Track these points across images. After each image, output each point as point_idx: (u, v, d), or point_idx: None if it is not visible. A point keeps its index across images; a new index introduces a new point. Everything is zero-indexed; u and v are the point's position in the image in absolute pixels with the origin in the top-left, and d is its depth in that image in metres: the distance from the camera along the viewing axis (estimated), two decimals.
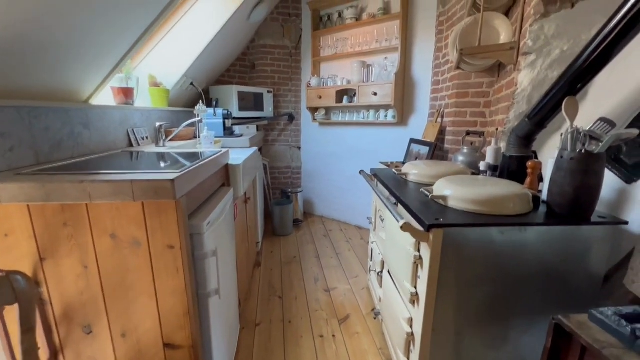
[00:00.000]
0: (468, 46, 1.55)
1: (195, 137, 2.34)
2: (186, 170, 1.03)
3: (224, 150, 1.58)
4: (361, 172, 2.00)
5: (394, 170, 1.77)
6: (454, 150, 2.26)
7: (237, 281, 1.73)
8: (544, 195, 1.26)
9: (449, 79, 2.33)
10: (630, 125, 1.17)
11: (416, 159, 2.41)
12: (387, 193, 1.60)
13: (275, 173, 3.73)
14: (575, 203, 1.07)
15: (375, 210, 1.96)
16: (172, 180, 0.91)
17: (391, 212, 1.24)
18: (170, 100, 2.40)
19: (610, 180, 1.18)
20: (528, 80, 1.43)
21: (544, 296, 1.13)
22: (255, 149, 2.45)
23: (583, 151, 1.05)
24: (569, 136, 1.09)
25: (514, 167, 1.44)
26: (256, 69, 3.46)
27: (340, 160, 3.41)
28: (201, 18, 2.28)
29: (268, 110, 3.36)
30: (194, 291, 1.07)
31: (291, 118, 3.61)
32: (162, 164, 1.24)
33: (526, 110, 1.51)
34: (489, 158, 1.64)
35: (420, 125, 2.78)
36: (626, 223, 1.07)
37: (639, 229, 1.07)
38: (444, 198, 1.22)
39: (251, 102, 3.20)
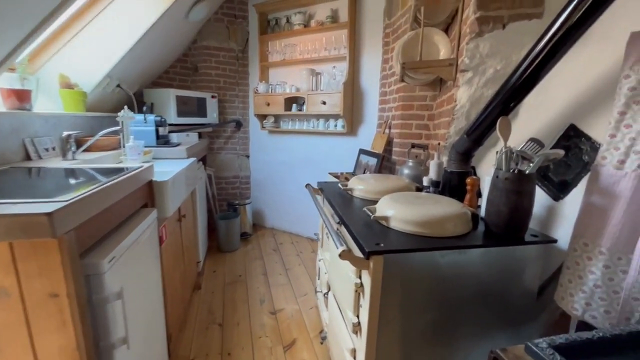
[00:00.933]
0: (410, 60, 1.54)
1: (121, 147, 2.06)
2: (77, 198, 0.83)
3: (146, 164, 1.37)
4: (307, 185, 1.90)
5: (339, 185, 1.70)
6: (400, 162, 2.27)
7: (168, 312, 1.51)
8: (483, 212, 1.27)
9: (395, 91, 2.35)
10: (556, 144, 1.22)
11: (365, 170, 2.38)
12: (332, 210, 1.52)
13: (221, 183, 3.49)
14: (510, 222, 1.07)
15: (322, 226, 1.87)
16: (50, 214, 0.72)
17: (332, 236, 1.15)
18: (90, 104, 2.09)
19: (540, 198, 1.21)
20: (466, 96, 1.45)
21: (486, 316, 1.12)
22: (193, 159, 2.24)
23: (516, 171, 1.05)
24: (503, 156, 1.09)
25: (455, 182, 1.45)
26: (199, 71, 3.22)
27: (291, 169, 3.29)
28: (128, 12, 2.02)
29: (212, 116, 3.14)
30: (91, 345, 0.87)
31: (239, 125, 3.41)
32: (54, 186, 1.01)
33: (465, 126, 1.53)
34: (432, 172, 1.64)
35: (369, 135, 2.78)
36: (555, 241, 1.10)
37: (566, 245, 1.10)
38: (386, 219, 1.16)
39: (193, 107, 2.95)
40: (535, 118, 1.27)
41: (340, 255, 0.98)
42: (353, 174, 2.63)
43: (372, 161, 2.38)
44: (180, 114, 2.78)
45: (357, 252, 1.04)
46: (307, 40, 2.89)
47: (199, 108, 3.01)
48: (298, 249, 3.02)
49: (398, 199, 1.22)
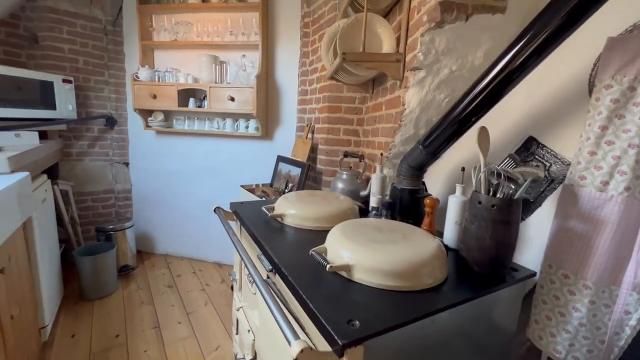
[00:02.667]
0: (350, 51, 1.23)
1: None
2: None
3: None
4: (216, 209, 1.40)
5: (264, 209, 1.27)
6: (328, 172, 1.97)
7: None
8: (449, 240, 1.05)
9: (318, 90, 2.03)
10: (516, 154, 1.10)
11: (287, 183, 1.99)
12: (257, 247, 1.07)
13: (86, 201, 2.55)
14: (496, 258, 0.86)
15: (240, 264, 1.40)
16: None
17: (264, 296, 0.73)
18: None
19: None
20: (416, 100, 1.22)
21: None
22: (25, 174, 1.43)
23: (503, 196, 0.84)
24: (482, 176, 0.87)
25: (406, 202, 1.21)
26: (40, 44, 2.23)
27: (189, 181, 2.63)
28: None
29: (66, 108, 2.21)
30: None
31: (110, 122, 2.54)
32: None
33: (412, 135, 1.30)
34: (375, 187, 1.37)
35: (287, 139, 2.40)
36: (534, 274, 0.94)
37: (535, 269, 0.96)
38: (347, 268, 0.80)
39: (31, 94, 2.00)
40: (490, 128, 1.12)
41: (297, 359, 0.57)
42: (271, 185, 2.21)
43: (295, 171, 2.01)
44: (4, 102, 1.83)
45: (312, 329, 0.66)
46: (206, 20, 2.31)
47: (44, 96, 2.07)
48: (203, 281, 2.40)
49: (355, 236, 0.88)
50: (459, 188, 1.02)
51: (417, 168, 1.20)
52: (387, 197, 1.26)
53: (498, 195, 0.85)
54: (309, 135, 2.11)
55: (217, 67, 2.27)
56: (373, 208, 1.24)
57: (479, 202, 0.86)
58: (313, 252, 0.86)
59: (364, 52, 1.23)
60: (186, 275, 2.47)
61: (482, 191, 0.87)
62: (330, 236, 0.91)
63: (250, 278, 1.17)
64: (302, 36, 2.21)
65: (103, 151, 2.59)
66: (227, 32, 2.31)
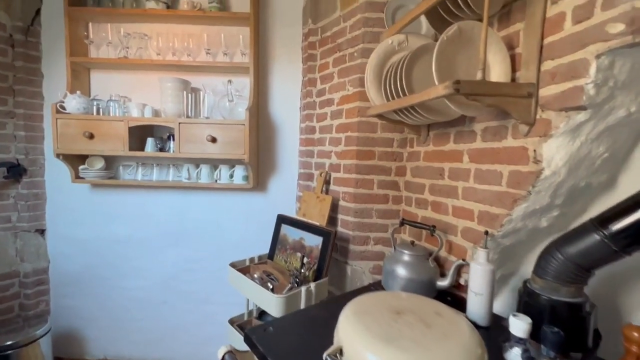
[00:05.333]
0: (449, 78, 0.75)
1: None
2: None
3: None
4: (227, 356, 0.76)
5: (326, 356, 0.66)
6: (359, 240, 1.42)
7: None
8: None
9: (336, 128, 1.52)
10: None
11: (303, 259, 1.38)
12: None
13: None
14: None
15: None
16: None
17: None
18: None
19: None
20: (564, 156, 0.77)
21: None
22: None
23: None
24: None
25: (561, 321, 0.72)
26: None
27: (145, 251, 1.85)
28: None
29: None
30: None
31: (15, 172, 1.70)
32: None
33: (546, 205, 0.84)
34: (479, 284, 0.88)
35: (286, 191, 1.81)
36: None
37: None
38: None
39: None
40: None
41: None
42: (270, 257, 1.58)
43: (311, 240, 1.42)
44: None
45: None
46: (172, 33, 1.69)
47: None
48: None
49: None
50: None
51: (587, 268, 0.73)
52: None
53: None
54: (324, 188, 1.56)
55: (190, 95, 1.63)
56: (518, 340, 0.72)
57: None
58: None
59: (485, 82, 0.75)
60: None
61: None
62: None
63: None
64: (306, 59, 1.70)
65: (2, 215, 1.71)
66: (201, 50, 1.71)
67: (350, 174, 1.43)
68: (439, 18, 0.93)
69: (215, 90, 1.70)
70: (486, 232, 0.91)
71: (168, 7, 1.65)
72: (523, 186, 0.84)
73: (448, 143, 1.14)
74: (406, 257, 1.10)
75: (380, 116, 1.18)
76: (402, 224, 1.18)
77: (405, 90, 0.92)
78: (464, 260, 1.01)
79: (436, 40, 1.11)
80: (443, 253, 1.14)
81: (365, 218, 1.42)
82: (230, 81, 1.62)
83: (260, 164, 1.80)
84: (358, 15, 1.38)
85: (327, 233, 1.36)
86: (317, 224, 1.44)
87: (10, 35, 1.67)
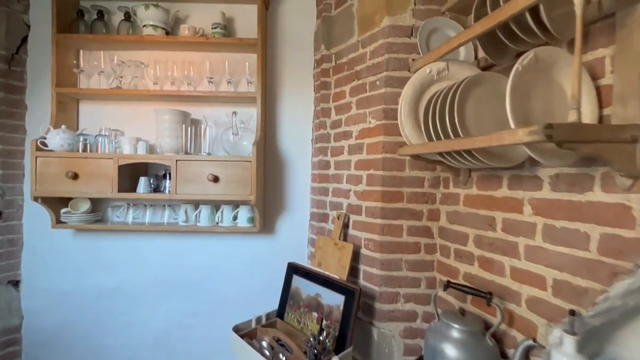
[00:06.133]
0: (527, 119, 0.57)
1: None
2: None
3: None
4: None
5: None
6: (387, 297, 1.20)
7: None
8: None
9: (355, 164, 1.34)
10: None
11: (322, 322, 1.15)
12: None
13: None
14: None
15: None
16: None
17: None
18: None
19: None
20: None
21: None
22: None
23: None
24: None
25: None
26: None
27: (136, 304, 1.61)
28: None
29: None
30: None
31: None
32: None
33: None
34: None
35: (297, 233, 1.60)
36: None
37: None
38: None
39: None
40: None
41: None
42: (280, 316, 1.34)
43: (330, 297, 1.20)
44: None
45: None
46: (170, 60, 1.54)
47: None
48: None
49: None
50: None
51: None
52: None
53: None
54: (341, 233, 1.35)
55: (190, 128, 1.45)
56: None
57: None
58: None
59: (582, 125, 0.57)
60: None
61: None
62: None
63: None
64: (319, 87, 1.55)
65: None
66: (202, 79, 1.55)
67: (375, 218, 1.23)
68: (494, 42, 0.77)
69: (217, 122, 1.53)
70: (572, 313, 0.69)
71: (167, 33, 1.50)
72: (627, 256, 0.64)
73: (500, 188, 0.95)
74: (456, 333, 0.88)
75: (415, 156, 0.99)
76: (447, 287, 0.96)
77: (459, 131, 0.74)
78: (535, 341, 0.79)
79: (481, 67, 0.96)
80: (502, 325, 0.92)
81: (394, 270, 1.21)
82: (235, 113, 1.45)
83: (267, 203, 1.60)
84: (380, 41, 1.24)
85: (351, 291, 1.14)
86: (337, 277, 1.22)
87: None
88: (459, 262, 1.10)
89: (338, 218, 1.37)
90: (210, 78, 1.52)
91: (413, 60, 1.20)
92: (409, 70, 1.21)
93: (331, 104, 1.50)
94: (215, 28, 1.49)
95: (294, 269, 1.38)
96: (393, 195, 1.21)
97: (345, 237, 1.37)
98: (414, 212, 1.21)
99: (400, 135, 1.19)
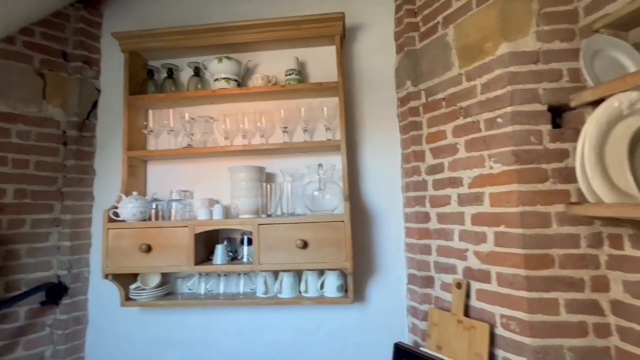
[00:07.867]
0: None
1: None
2: None
3: None
4: None
5: None
6: None
7: None
8: None
9: (473, 219, 1.09)
10: None
11: None
12: None
13: None
14: None
15: None
16: None
17: None
18: None
19: None
20: None
21: None
22: None
23: None
24: None
25: None
26: None
27: None
28: None
29: None
30: None
31: (55, 294, 1.37)
32: None
33: None
34: None
35: (392, 301, 1.34)
36: None
37: None
38: None
39: None
40: None
41: None
42: None
43: None
44: None
45: None
46: (241, 111, 1.42)
47: None
48: None
49: None
50: None
51: None
52: None
53: None
54: (461, 304, 1.08)
55: (268, 187, 1.29)
56: None
57: None
58: None
59: None
60: None
61: None
62: None
63: None
64: (406, 128, 1.36)
65: (31, 354, 1.34)
66: (275, 129, 1.42)
67: (517, 289, 0.96)
68: None
69: (294, 175, 1.36)
70: None
71: (239, 84, 1.40)
72: None
73: None
74: None
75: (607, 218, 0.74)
76: None
77: None
78: None
79: None
80: None
81: None
82: (321, 165, 1.27)
83: (355, 265, 1.37)
84: (497, 71, 1.04)
85: None
86: None
87: (64, 132, 1.47)
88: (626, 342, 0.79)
89: (458, 286, 1.10)
90: (285, 127, 1.38)
91: (544, 90, 0.99)
92: (540, 103, 0.99)
93: (424, 145, 1.30)
94: (290, 74, 1.37)
95: (403, 353, 1.11)
96: (539, 260, 0.95)
97: (466, 310, 1.10)
98: (570, 281, 0.93)
99: (541, 183, 0.96)
